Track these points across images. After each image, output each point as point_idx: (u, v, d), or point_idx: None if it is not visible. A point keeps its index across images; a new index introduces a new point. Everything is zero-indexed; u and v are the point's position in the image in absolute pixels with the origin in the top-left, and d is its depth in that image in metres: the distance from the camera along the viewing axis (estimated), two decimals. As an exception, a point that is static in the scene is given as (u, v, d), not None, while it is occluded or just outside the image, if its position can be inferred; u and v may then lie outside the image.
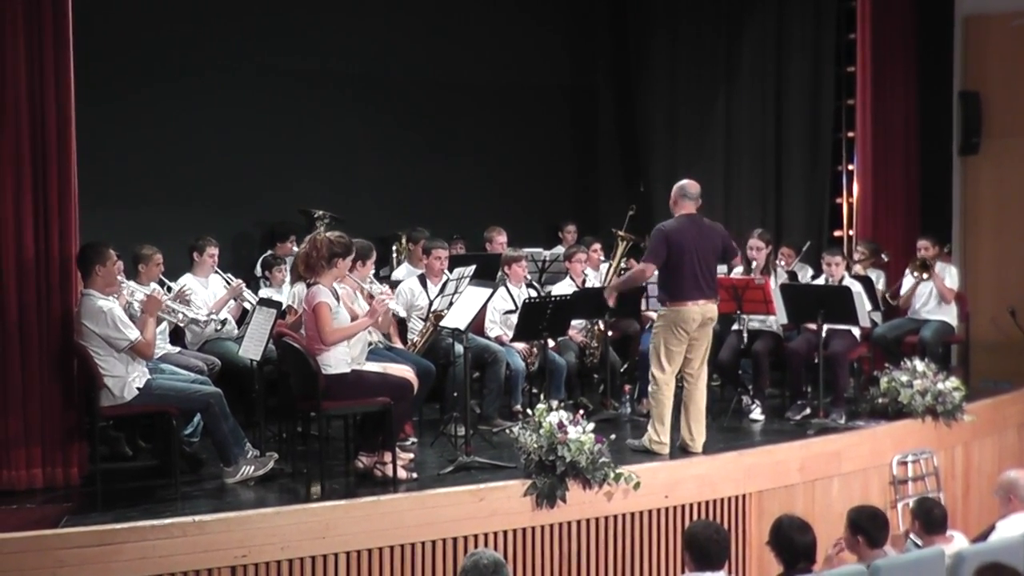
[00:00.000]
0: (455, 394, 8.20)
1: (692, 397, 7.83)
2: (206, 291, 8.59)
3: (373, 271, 8.20)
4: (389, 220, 11.20)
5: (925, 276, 9.89)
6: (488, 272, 9.08)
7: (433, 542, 6.60)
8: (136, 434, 7.89)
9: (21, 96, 6.82)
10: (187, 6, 10.54)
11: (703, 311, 7.69)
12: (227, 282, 8.60)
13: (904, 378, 8.93)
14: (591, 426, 7.08)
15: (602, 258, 10.42)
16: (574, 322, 9.11)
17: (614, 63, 13.43)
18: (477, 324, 8.32)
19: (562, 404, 7.36)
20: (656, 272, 7.78)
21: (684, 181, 7.91)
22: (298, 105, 11.20)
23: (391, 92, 11.76)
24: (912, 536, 6.47)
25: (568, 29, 13.21)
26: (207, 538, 6.04)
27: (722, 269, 9.80)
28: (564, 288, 9.39)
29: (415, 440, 8.04)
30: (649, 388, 7.88)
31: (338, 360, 6.86)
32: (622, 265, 9.84)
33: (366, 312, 7.12)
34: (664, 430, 7.73)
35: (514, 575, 6.70)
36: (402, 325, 8.67)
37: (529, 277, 9.63)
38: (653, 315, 9.04)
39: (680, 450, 7.82)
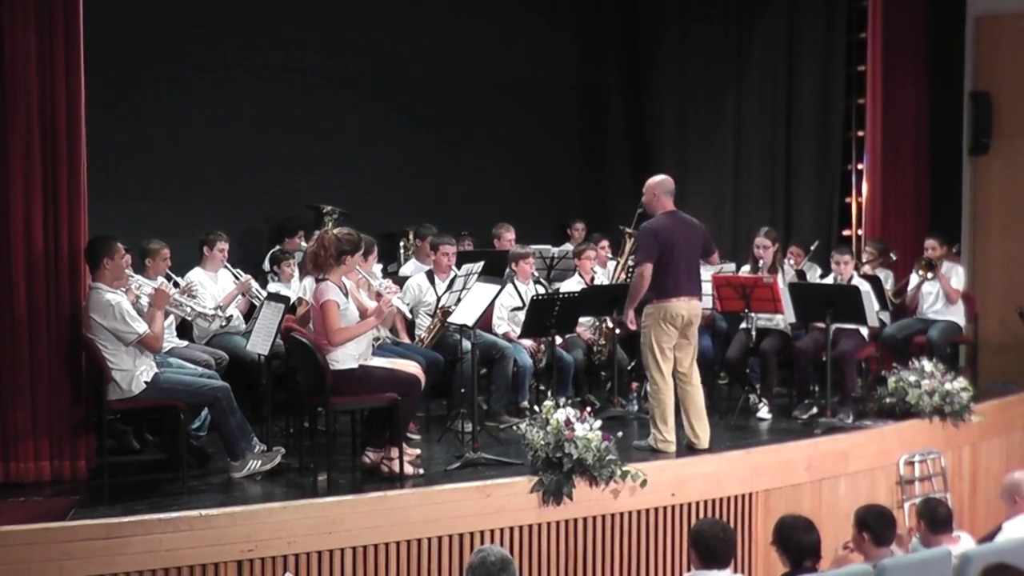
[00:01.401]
0: (462, 390, 8.20)
1: (689, 396, 7.83)
2: (215, 285, 8.61)
3: (380, 267, 8.21)
4: (397, 216, 11.22)
5: (929, 276, 9.87)
6: (496, 269, 9.08)
7: (440, 538, 6.61)
8: (143, 428, 7.90)
9: (32, 91, 6.83)
10: (198, 2, 10.55)
11: (689, 307, 7.70)
12: (236, 277, 8.62)
13: (912, 378, 8.92)
14: (598, 423, 7.09)
15: (610, 255, 10.41)
16: (582, 319, 9.11)
17: (624, 60, 13.42)
18: (485, 320, 8.32)
19: (569, 401, 7.36)
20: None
21: (662, 177, 7.93)
22: (308, 101, 11.21)
23: (400, 88, 11.77)
24: (918, 536, 6.46)
25: (578, 26, 13.20)
26: (213, 532, 6.05)
27: (729, 268, 9.84)
28: (573, 285, 9.39)
29: (417, 436, 8.05)
30: (648, 389, 7.88)
31: (346, 355, 6.87)
32: (629, 262, 9.83)
33: (372, 311, 7.11)
34: (668, 429, 7.73)
35: (521, 572, 6.69)
36: (409, 321, 8.68)
37: (537, 274, 9.63)
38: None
39: (687, 448, 7.82)
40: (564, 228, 11.90)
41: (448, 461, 7.37)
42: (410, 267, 9.90)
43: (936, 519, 6.35)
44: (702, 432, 7.83)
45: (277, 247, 10.26)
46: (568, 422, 6.95)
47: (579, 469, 6.94)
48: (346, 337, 6.83)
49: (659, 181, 7.88)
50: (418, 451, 7.49)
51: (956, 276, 10.01)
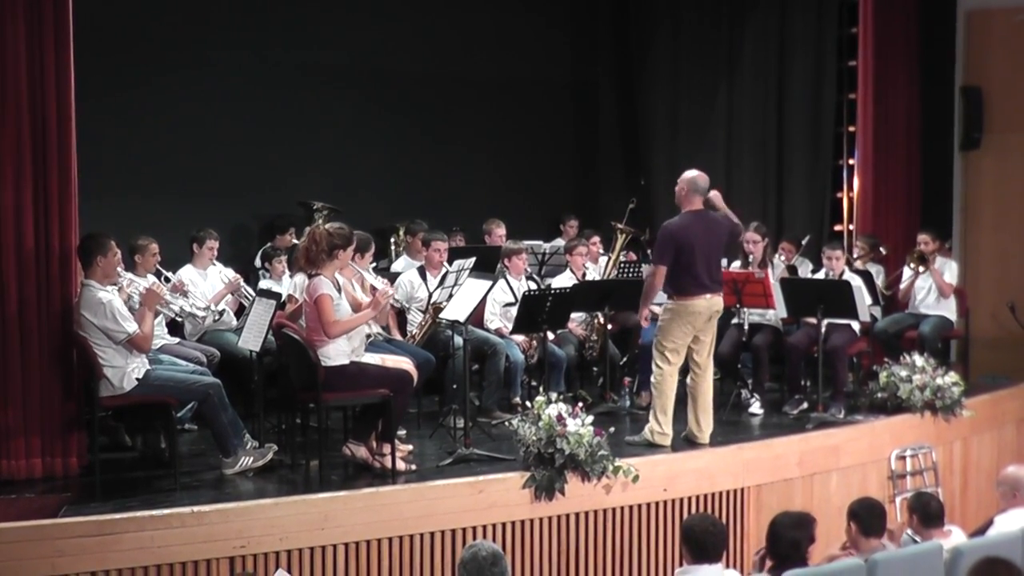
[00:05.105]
0: (454, 386, 8.21)
1: (700, 389, 7.82)
2: (205, 283, 8.62)
3: (373, 264, 8.20)
4: (388, 212, 11.19)
5: (922, 269, 9.90)
6: (487, 265, 9.08)
7: (432, 534, 6.61)
8: (124, 431, 7.82)
9: (22, 87, 6.82)
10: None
11: (710, 304, 7.70)
12: (225, 277, 8.61)
13: (903, 373, 8.94)
14: (590, 419, 7.09)
15: (601, 251, 10.42)
16: (574, 315, 9.10)
17: (615, 56, 13.40)
18: (477, 316, 8.32)
19: (561, 397, 7.35)
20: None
21: (695, 173, 7.78)
22: (298, 97, 11.19)
23: (391, 85, 11.75)
24: (909, 531, 6.47)
25: (569, 22, 13.19)
26: (206, 529, 6.05)
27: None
28: (564, 281, 9.39)
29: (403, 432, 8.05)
30: (652, 379, 7.84)
31: (338, 352, 6.87)
32: (621, 258, 9.84)
33: (368, 303, 7.11)
34: (667, 421, 7.72)
35: (512, 567, 6.71)
36: (401, 317, 8.68)
37: (529, 270, 9.63)
38: (654, 308, 9.05)
39: (685, 441, 7.84)
40: (556, 224, 11.89)
41: (440, 457, 7.37)
42: (401, 263, 9.90)
43: (928, 513, 6.37)
44: (706, 427, 7.84)
45: (268, 244, 10.25)
46: (560, 418, 6.95)
47: (571, 465, 6.93)
48: (342, 329, 6.83)
49: (692, 178, 7.75)
50: (410, 447, 7.49)
51: (949, 271, 10.04)
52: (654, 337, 7.86)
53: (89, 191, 7.58)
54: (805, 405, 9.03)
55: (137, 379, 6.81)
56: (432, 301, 8.41)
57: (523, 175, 12.45)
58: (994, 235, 11.88)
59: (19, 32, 6.80)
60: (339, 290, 6.96)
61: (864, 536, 5.92)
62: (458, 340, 7.91)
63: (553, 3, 12.98)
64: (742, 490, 7.77)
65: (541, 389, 7.91)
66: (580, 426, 6.97)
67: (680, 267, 7.61)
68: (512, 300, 9.02)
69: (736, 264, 9.43)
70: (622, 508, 7.25)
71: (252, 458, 7.00)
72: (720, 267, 7.93)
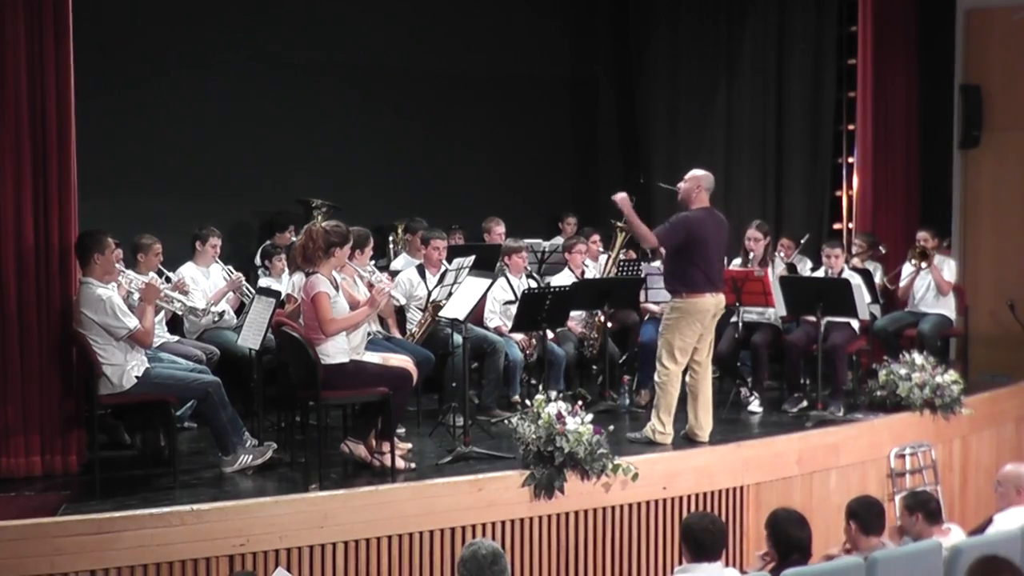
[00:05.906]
0: (454, 384, 8.20)
1: (700, 387, 7.84)
2: (207, 281, 8.62)
3: (372, 260, 8.20)
4: (387, 210, 11.19)
5: (923, 265, 9.90)
6: (487, 263, 9.07)
7: (431, 532, 6.61)
8: (124, 429, 7.82)
9: (21, 85, 6.81)
10: (187, -4, 10.55)
11: (717, 302, 7.76)
12: (227, 274, 8.61)
13: (903, 371, 8.94)
14: (589, 417, 7.09)
15: (601, 249, 10.41)
16: (573, 313, 9.10)
17: (615, 54, 13.40)
18: (476, 314, 8.32)
19: (561, 395, 7.36)
20: (664, 254, 7.86)
21: (703, 172, 7.88)
22: (297, 95, 11.18)
23: (390, 82, 11.74)
24: (908, 529, 6.47)
25: (568, 20, 13.18)
26: (205, 527, 6.05)
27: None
28: (563, 279, 9.38)
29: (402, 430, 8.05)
30: (658, 379, 7.82)
31: (337, 350, 6.86)
32: (621, 256, 9.83)
33: (365, 301, 7.11)
34: (670, 421, 7.74)
35: (512, 566, 6.70)
36: (401, 315, 8.68)
37: (529, 268, 9.63)
38: (652, 307, 9.07)
39: (685, 439, 7.85)
40: (555, 222, 11.90)
41: (439, 455, 7.37)
42: (401, 261, 9.89)
43: (927, 512, 6.37)
44: (706, 424, 7.86)
45: (268, 242, 10.25)
46: (559, 416, 6.95)
47: (570, 463, 6.94)
48: (339, 327, 6.83)
49: (704, 175, 7.86)
50: (409, 445, 7.49)
51: (948, 269, 10.05)
52: (661, 337, 7.86)
53: (89, 189, 7.57)
54: (804, 403, 9.03)
55: (137, 377, 6.81)
56: (431, 299, 8.40)
57: (522, 173, 12.44)
58: (993, 233, 11.87)
59: (19, 31, 6.80)
60: (336, 288, 6.96)
61: (864, 535, 5.93)
62: (457, 338, 7.91)
63: (552, 0, 12.96)
64: (741, 488, 7.77)
65: (540, 387, 7.92)
66: (579, 424, 6.97)
67: (694, 262, 7.64)
68: (512, 298, 9.01)
69: (736, 262, 9.44)
70: (621, 506, 7.25)
71: (251, 456, 6.99)
72: (723, 266, 7.98)
